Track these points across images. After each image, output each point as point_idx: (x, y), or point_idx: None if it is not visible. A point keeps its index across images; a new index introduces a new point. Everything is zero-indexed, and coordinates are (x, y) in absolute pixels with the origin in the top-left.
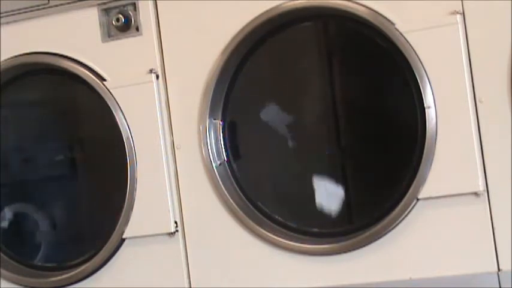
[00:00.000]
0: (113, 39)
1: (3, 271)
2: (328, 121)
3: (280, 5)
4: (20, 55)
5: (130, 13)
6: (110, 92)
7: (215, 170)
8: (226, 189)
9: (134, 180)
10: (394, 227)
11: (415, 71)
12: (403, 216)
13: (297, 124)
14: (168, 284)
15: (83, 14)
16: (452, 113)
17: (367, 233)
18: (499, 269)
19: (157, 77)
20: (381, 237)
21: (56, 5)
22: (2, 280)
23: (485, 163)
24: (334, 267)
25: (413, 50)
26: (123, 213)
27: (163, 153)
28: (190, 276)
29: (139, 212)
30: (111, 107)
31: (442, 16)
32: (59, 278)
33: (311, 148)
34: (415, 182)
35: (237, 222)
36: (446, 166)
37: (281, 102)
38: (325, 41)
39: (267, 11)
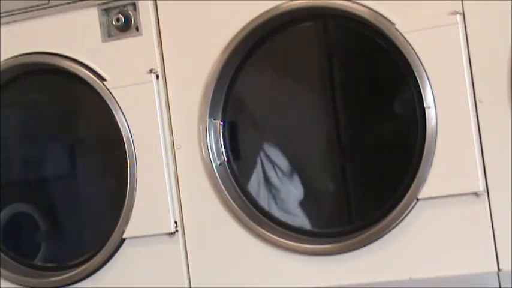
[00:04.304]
0: (113, 39)
1: (3, 271)
2: (328, 121)
3: (280, 5)
4: (20, 55)
5: (130, 13)
6: (110, 92)
7: (215, 170)
8: (226, 189)
9: (134, 180)
10: (394, 227)
11: (415, 71)
12: (403, 216)
13: (297, 124)
14: (168, 284)
15: (83, 14)
16: (452, 113)
17: (367, 233)
18: (499, 269)
19: (157, 77)
20: (381, 237)
21: (56, 5)
22: (2, 280)
23: (485, 163)
24: (334, 267)
25: (413, 50)
26: (123, 213)
27: (163, 153)
28: (190, 276)
29: (139, 212)
30: (111, 107)
31: (442, 16)
32: (59, 278)
33: (311, 148)
34: (415, 182)
35: (237, 222)
36: (446, 166)
37: (281, 103)
38: (325, 41)
39: (267, 11)
